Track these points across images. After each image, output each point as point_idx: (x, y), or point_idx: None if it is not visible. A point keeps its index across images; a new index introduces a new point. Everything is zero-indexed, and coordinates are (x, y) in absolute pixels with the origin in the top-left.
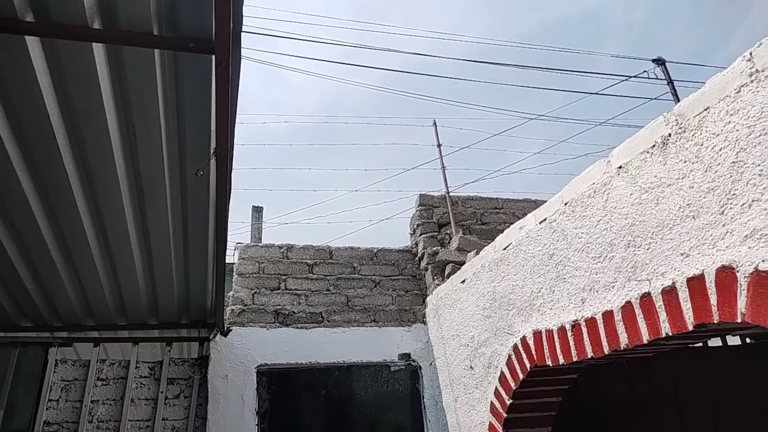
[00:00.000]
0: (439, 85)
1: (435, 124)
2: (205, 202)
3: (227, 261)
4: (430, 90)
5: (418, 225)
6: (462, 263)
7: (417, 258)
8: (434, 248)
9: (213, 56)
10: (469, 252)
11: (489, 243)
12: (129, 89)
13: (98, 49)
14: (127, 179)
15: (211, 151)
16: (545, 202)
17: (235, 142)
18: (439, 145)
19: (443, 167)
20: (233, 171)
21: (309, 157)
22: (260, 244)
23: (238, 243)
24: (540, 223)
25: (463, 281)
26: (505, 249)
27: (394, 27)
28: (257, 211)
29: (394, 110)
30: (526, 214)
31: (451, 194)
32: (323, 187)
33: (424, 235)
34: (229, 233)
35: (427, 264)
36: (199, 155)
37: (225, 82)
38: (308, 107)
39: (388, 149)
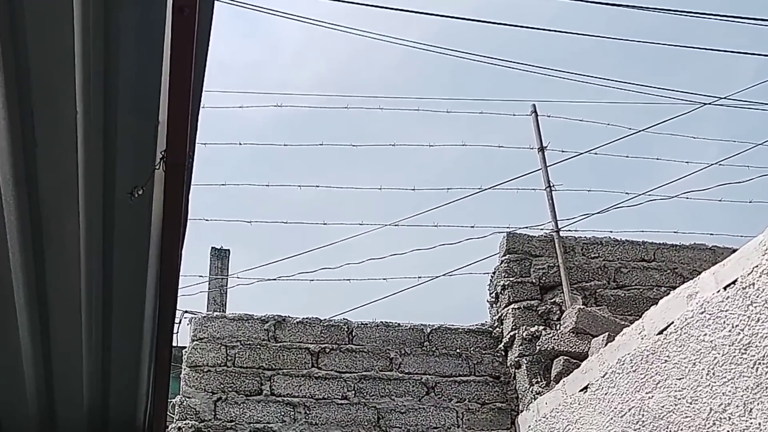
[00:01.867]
0: (536, 44)
1: (534, 111)
2: (142, 241)
3: (173, 344)
4: (519, 53)
5: (504, 287)
6: (583, 356)
7: (502, 345)
8: (533, 328)
9: None
10: (594, 336)
11: (631, 321)
12: (27, 50)
13: None
14: (17, 200)
15: (158, 156)
16: (733, 251)
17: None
18: (541, 148)
19: (549, 187)
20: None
21: (312, 165)
22: (229, 316)
23: (189, 312)
24: (725, 288)
25: (584, 388)
26: (661, 333)
27: None
28: (219, 256)
29: (455, 86)
30: (699, 272)
31: (562, 234)
32: (336, 216)
33: (515, 306)
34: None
35: (521, 356)
36: (138, 163)
37: (187, 42)
38: (310, 81)
39: (446, 153)
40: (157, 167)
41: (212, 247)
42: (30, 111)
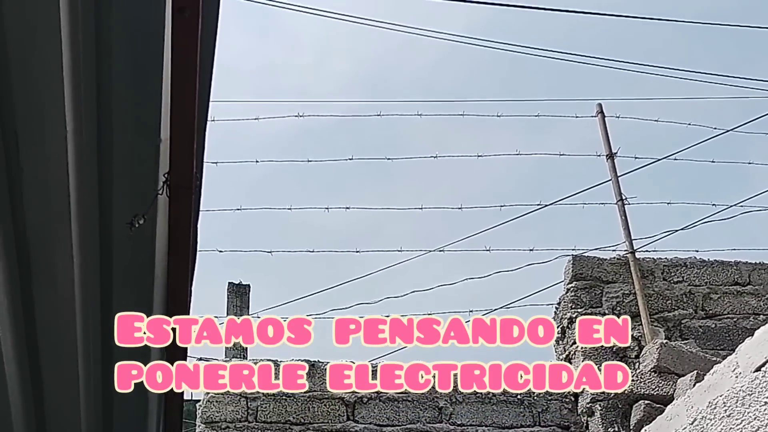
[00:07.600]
0: (601, 34)
1: (601, 111)
2: (144, 278)
3: (185, 397)
4: (581, 45)
5: (571, 320)
6: (667, 399)
7: (571, 389)
8: None
9: None
10: (680, 376)
11: (723, 357)
12: (9, 63)
13: None
14: (1, 236)
15: (160, 179)
16: None
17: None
18: (610, 155)
19: (621, 200)
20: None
21: (341, 183)
22: (250, 362)
23: (203, 360)
24: None
25: None
26: (759, 370)
27: None
28: (239, 293)
29: (506, 86)
30: None
31: (639, 256)
32: (371, 242)
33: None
34: None
35: (593, 401)
36: (138, 187)
37: (190, 48)
38: (334, 85)
39: (498, 164)
40: (159, 192)
41: (230, 283)
42: (14, 131)
